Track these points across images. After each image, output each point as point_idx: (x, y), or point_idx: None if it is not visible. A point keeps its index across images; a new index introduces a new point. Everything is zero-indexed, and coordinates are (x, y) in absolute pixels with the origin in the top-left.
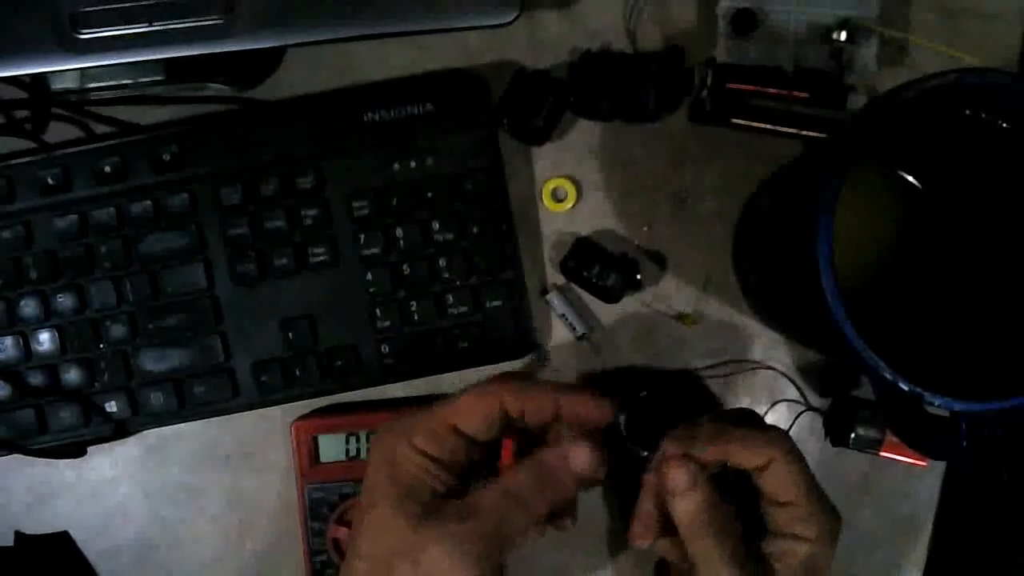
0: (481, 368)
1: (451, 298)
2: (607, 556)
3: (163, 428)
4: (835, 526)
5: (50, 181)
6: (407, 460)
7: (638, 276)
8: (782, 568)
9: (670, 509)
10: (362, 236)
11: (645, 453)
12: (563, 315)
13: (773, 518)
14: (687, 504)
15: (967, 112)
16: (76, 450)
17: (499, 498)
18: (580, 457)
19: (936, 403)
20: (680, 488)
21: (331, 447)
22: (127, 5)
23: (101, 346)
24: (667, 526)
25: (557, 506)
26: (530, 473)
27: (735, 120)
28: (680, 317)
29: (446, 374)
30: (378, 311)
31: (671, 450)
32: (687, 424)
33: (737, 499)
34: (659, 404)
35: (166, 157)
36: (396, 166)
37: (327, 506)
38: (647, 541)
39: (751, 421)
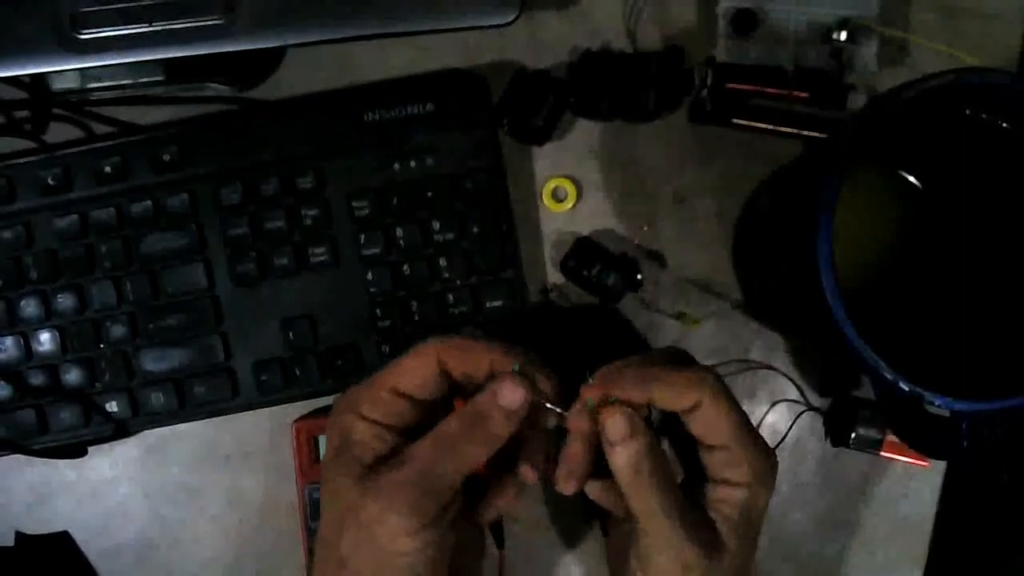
0: None
1: (451, 298)
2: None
3: (163, 428)
4: (767, 468)
5: (50, 181)
6: (354, 429)
7: (638, 276)
8: (720, 518)
9: (608, 459)
10: (362, 236)
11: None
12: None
13: (707, 462)
14: (627, 453)
15: (967, 112)
16: (76, 450)
17: (429, 446)
18: (505, 393)
19: (936, 403)
20: (618, 436)
21: None
22: (127, 5)
23: (101, 346)
24: (598, 469)
25: (494, 447)
26: (459, 417)
27: (735, 120)
28: (680, 317)
29: None
30: (378, 311)
31: (591, 392)
32: (610, 365)
33: (677, 444)
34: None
35: (166, 157)
36: (396, 166)
37: None
38: (573, 486)
39: (680, 361)
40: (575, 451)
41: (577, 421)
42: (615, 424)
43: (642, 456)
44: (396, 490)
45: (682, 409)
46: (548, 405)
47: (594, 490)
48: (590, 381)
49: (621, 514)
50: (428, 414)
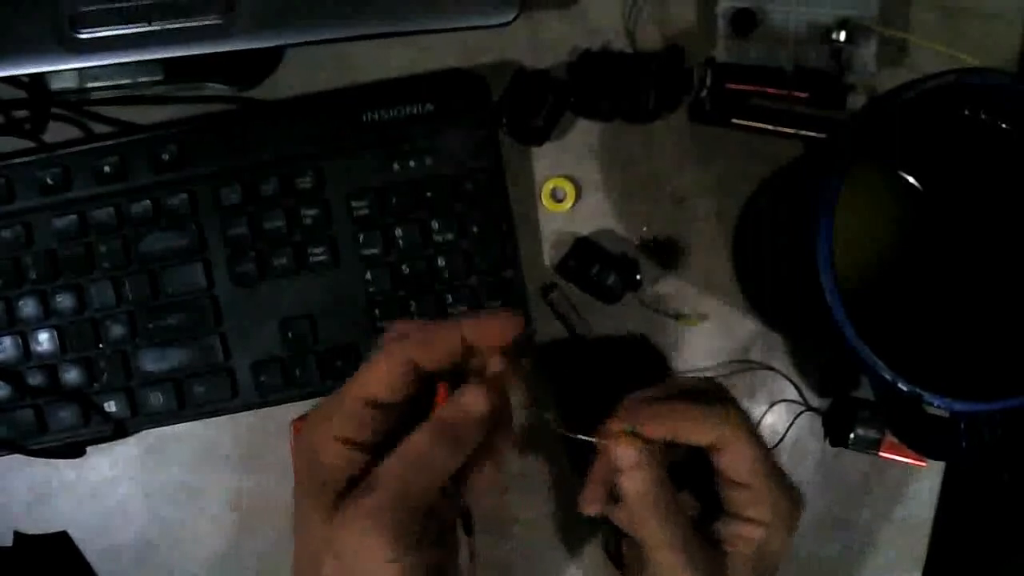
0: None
1: (451, 298)
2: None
3: (163, 428)
4: (792, 510)
5: (49, 181)
6: (324, 450)
7: (638, 276)
8: (734, 552)
9: (618, 486)
10: (362, 236)
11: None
12: (563, 315)
13: (728, 498)
14: (633, 483)
15: (967, 112)
16: (75, 450)
17: (398, 465)
18: (470, 400)
19: (935, 403)
20: (626, 465)
21: None
22: (126, 5)
23: (101, 346)
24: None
25: (465, 454)
26: (427, 432)
27: (735, 120)
28: (679, 317)
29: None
30: (378, 311)
31: (616, 425)
32: (637, 394)
33: (694, 475)
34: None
35: (165, 157)
36: (396, 166)
37: None
38: (595, 509)
39: (709, 391)
40: (598, 477)
41: (603, 444)
42: (625, 453)
43: (650, 486)
44: (372, 517)
45: (705, 445)
46: (580, 437)
47: (614, 512)
48: (614, 415)
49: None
50: (402, 414)
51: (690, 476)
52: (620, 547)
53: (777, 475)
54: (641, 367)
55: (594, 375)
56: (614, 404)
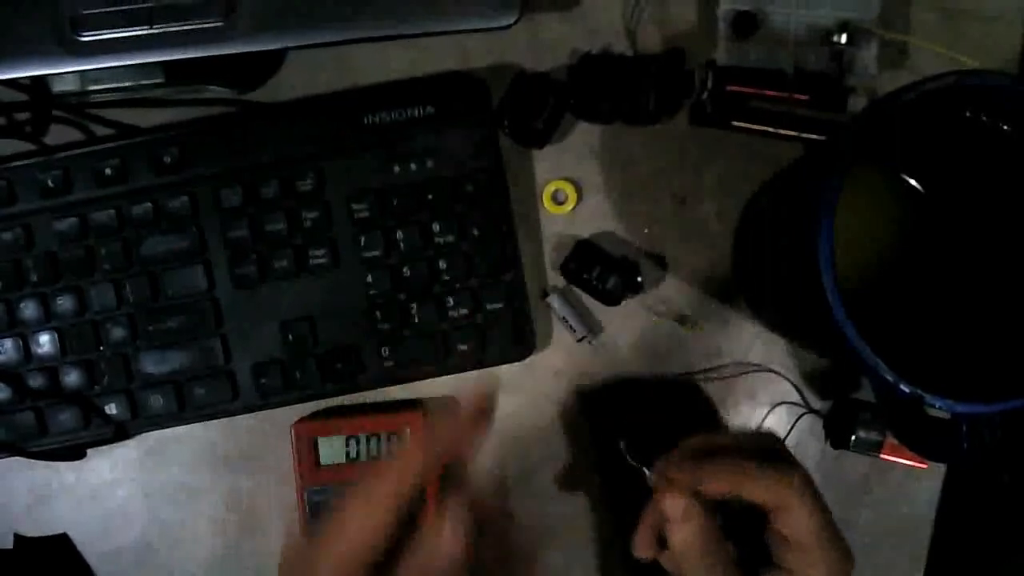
0: (480, 371)
1: (451, 300)
2: (607, 558)
3: (163, 430)
4: (844, 571)
5: (50, 183)
6: None
7: (638, 278)
8: None
9: (667, 536)
10: (362, 238)
11: (646, 471)
12: (563, 317)
13: (782, 556)
14: (680, 534)
15: (967, 114)
16: (75, 452)
17: None
18: (446, 545)
19: (936, 405)
20: (674, 517)
21: (331, 450)
22: (127, 8)
23: (101, 348)
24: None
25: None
26: None
27: (735, 122)
28: (680, 319)
29: (445, 376)
30: (378, 313)
31: (673, 473)
32: (695, 440)
33: (742, 519)
34: (650, 434)
35: (166, 159)
36: (396, 168)
37: (327, 509)
38: (646, 553)
39: (769, 448)
40: (648, 524)
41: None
42: (673, 504)
43: (697, 537)
44: None
45: (766, 505)
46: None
47: (665, 558)
48: (668, 464)
49: None
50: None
51: (739, 523)
52: None
53: (835, 538)
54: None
55: (646, 412)
56: (669, 441)
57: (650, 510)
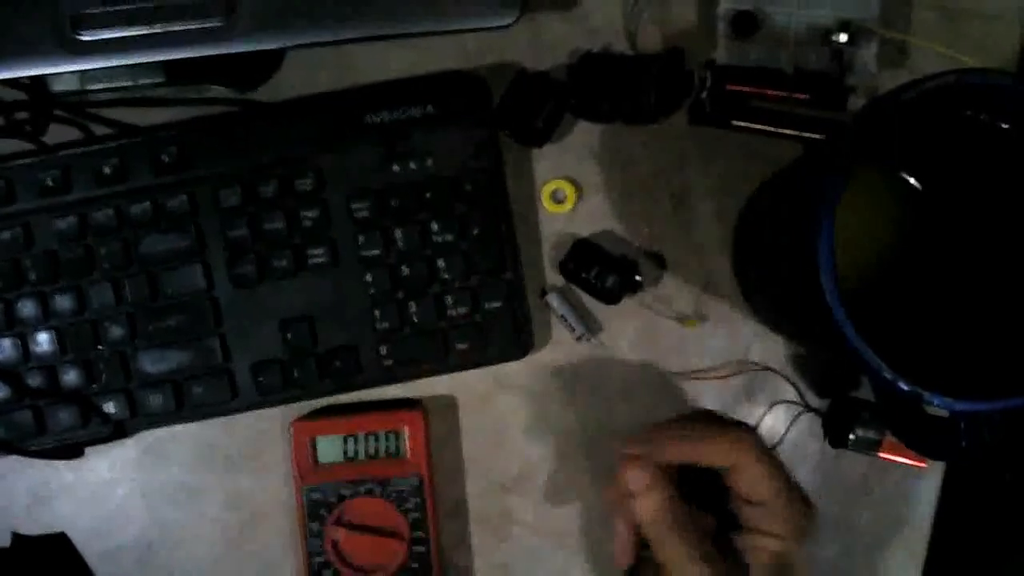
0: (480, 370)
1: (450, 299)
2: (607, 558)
3: (162, 429)
4: (806, 521)
5: (50, 182)
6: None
7: (637, 277)
8: (755, 564)
9: (632, 512)
10: (361, 237)
11: None
12: (562, 316)
13: (744, 514)
14: (646, 504)
15: (967, 113)
16: (74, 451)
17: None
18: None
19: (935, 403)
20: (638, 489)
21: (330, 448)
22: (127, 7)
23: (100, 347)
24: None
25: None
26: None
27: (735, 122)
28: (680, 318)
29: (445, 375)
30: (377, 312)
31: (631, 453)
32: (649, 429)
33: (707, 492)
34: None
35: (166, 159)
36: (396, 167)
37: (325, 507)
38: (628, 561)
39: (723, 417)
40: (620, 529)
41: (609, 491)
42: (635, 476)
43: (664, 507)
44: None
45: (721, 466)
46: None
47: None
48: (625, 445)
49: None
50: None
51: (703, 496)
52: None
53: (791, 490)
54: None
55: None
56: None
57: (616, 515)
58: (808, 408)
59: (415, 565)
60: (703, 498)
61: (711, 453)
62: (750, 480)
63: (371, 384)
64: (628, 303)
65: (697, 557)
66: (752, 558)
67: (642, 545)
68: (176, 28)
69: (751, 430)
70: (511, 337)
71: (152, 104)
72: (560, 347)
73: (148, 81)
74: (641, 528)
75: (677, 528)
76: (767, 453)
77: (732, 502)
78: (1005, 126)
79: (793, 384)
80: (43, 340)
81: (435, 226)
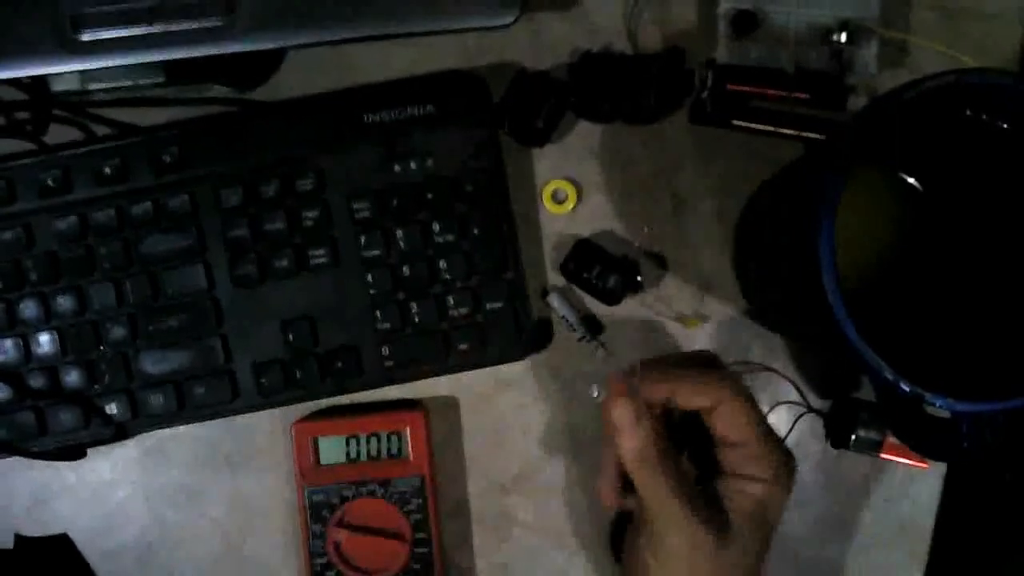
0: (481, 370)
1: (451, 299)
2: (607, 558)
3: (163, 430)
4: (788, 467)
5: (50, 183)
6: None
7: (638, 278)
8: (735, 508)
9: (616, 446)
10: (362, 237)
11: None
12: (563, 317)
13: (725, 459)
14: (631, 440)
15: (967, 113)
16: (75, 452)
17: None
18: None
19: (937, 404)
20: (624, 424)
21: (331, 449)
22: (127, 7)
23: (101, 348)
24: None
25: None
26: None
27: (735, 121)
28: (681, 319)
29: (446, 376)
30: (378, 312)
31: (615, 387)
32: (635, 364)
33: (690, 442)
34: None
35: (166, 158)
36: (396, 167)
37: (327, 508)
38: (611, 499)
39: (706, 359)
40: (609, 467)
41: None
42: (621, 412)
43: (648, 442)
44: None
45: (703, 407)
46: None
47: (631, 503)
48: (610, 380)
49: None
50: None
51: (686, 442)
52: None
53: (771, 434)
54: None
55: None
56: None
57: (607, 453)
58: (809, 409)
59: (417, 566)
60: (684, 447)
61: (692, 390)
62: (730, 419)
63: (372, 385)
64: (629, 303)
65: (679, 492)
66: (733, 503)
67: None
68: (176, 28)
69: (733, 373)
70: (512, 337)
71: (152, 104)
72: (561, 347)
73: (148, 81)
74: (624, 463)
75: (660, 465)
76: (747, 394)
77: (713, 447)
78: (1005, 126)
79: (794, 384)
80: (44, 341)
81: (436, 226)
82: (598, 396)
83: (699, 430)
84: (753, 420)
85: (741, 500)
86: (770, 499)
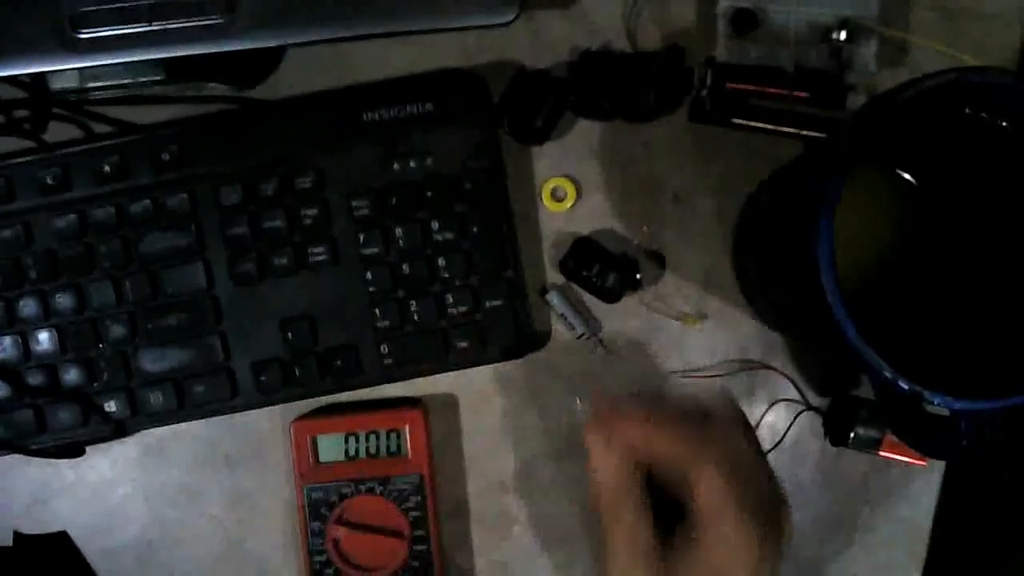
0: (480, 368)
1: (451, 298)
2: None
3: (162, 428)
4: (758, 549)
5: (49, 181)
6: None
7: (638, 276)
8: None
9: (589, 472)
10: (362, 236)
11: None
12: (563, 315)
13: (691, 519)
14: (600, 467)
15: (967, 111)
16: (74, 450)
17: None
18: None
19: (936, 402)
20: (597, 452)
21: (330, 447)
22: (127, 5)
23: (100, 346)
24: None
25: None
26: None
27: (735, 120)
28: (680, 317)
29: (446, 374)
30: (378, 311)
31: (592, 432)
32: (610, 412)
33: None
34: None
35: (166, 157)
36: (396, 166)
37: (326, 506)
38: None
39: (719, 413)
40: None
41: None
42: (595, 439)
43: (615, 473)
44: None
45: (681, 473)
46: None
47: None
48: (599, 418)
49: None
50: None
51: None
52: None
53: (750, 510)
54: None
55: None
56: None
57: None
58: (809, 407)
59: (416, 564)
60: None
61: (671, 458)
62: (706, 497)
63: (372, 383)
64: (628, 302)
65: (639, 535)
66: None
67: None
68: (175, 26)
69: (717, 446)
70: (512, 336)
71: (152, 102)
72: (560, 346)
73: (148, 79)
74: (591, 489)
75: (623, 500)
76: (727, 469)
77: (685, 503)
78: (1005, 124)
79: (793, 383)
80: (43, 339)
81: (435, 225)
82: (581, 410)
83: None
84: (724, 493)
85: (701, 551)
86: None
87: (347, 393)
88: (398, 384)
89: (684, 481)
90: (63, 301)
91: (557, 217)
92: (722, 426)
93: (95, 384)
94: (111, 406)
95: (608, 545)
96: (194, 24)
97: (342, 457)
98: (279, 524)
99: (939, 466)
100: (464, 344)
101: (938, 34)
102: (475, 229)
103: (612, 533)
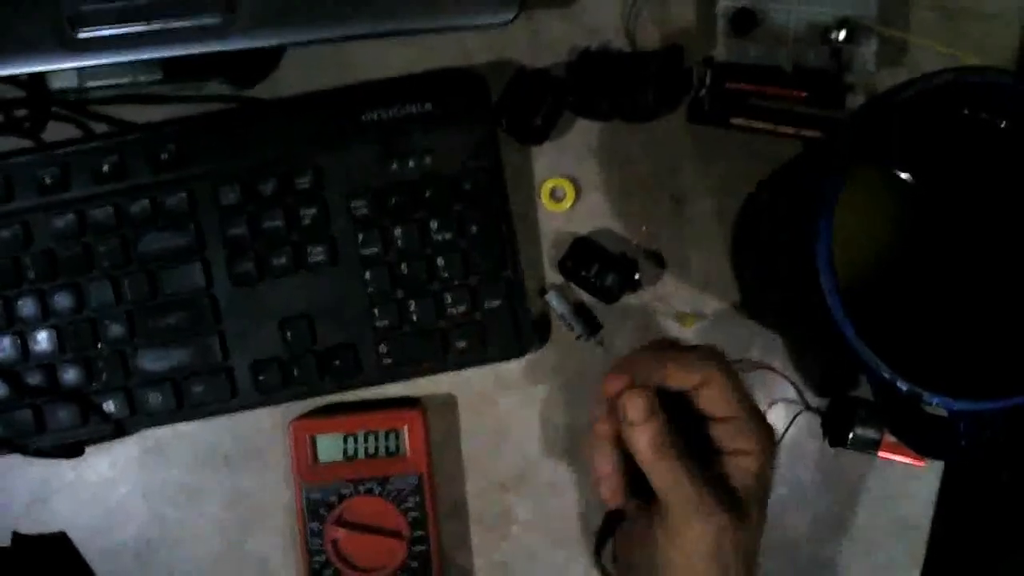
0: (479, 369)
1: (449, 298)
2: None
3: (161, 428)
4: (771, 437)
5: (48, 180)
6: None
7: (636, 276)
8: (739, 486)
9: (629, 442)
10: (361, 235)
11: None
12: (562, 315)
13: (717, 436)
14: (648, 432)
15: (966, 111)
16: (74, 450)
17: None
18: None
19: (934, 402)
20: (639, 417)
21: (329, 447)
22: (126, 4)
23: (99, 345)
24: (633, 484)
25: None
26: None
27: (734, 120)
28: (679, 317)
29: (444, 374)
30: (376, 311)
31: (615, 383)
32: (620, 359)
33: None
34: None
35: (164, 156)
36: (395, 165)
37: (325, 507)
38: (618, 498)
39: (686, 342)
40: (607, 468)
41: (600, 427)
42: (635, 405)
43: (663, 433)
44: None
45: (693, 385)
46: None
47: (629, 506)
48: (608, 376)
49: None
50: None
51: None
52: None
53: (755, 406)
54: None
55: None
56: None
57: (601, 452)
58: (807, 407)
59: (415, 564)
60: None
61: (683, 370)
62: (718, 396)
63: (370, 383)
64: (627, 301)
65: (697, 480)
66: (736, 481)
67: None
68: (175, 25)
69: (714, 348)
70: (511, 336)
71: (150, 101)
72: (560, 346)
73: (146, 78)
74: (638, 456)
75: (675, 453)
76: (732, 370)
77: (703, 426)
78: (1003, 124)
79: (792, 383)
80: (42, 338)
81: (434, 224)
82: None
83: (685, 415)
84: (738, 394)
85: (743, 477)
86: (764, 470)
87: (346, 393)
88: (397, 384)
89: (695, 397)
90: (62, 301)
91: (556, 217)
92: (702, 346)
93: (94, 384)
94: (110, 406)
95: (673, 498)
96: (193, 24)
97: (341, 457)
98: (278, 524)
99: (938, 466)
100: (463, 344)
101: (938, 34)
102: (474, 229)
103: (676, 486)
